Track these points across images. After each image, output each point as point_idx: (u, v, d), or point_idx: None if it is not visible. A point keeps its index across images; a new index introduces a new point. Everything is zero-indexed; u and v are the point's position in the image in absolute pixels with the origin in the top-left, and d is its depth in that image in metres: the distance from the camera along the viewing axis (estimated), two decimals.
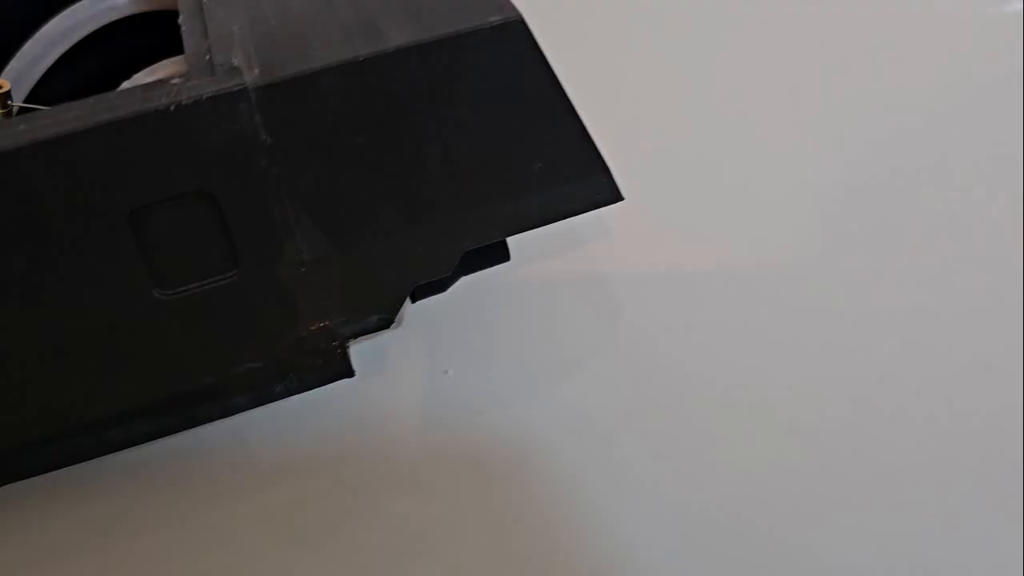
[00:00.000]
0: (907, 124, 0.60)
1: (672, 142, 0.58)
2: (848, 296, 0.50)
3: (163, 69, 0.45)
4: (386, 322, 0.40)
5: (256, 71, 0.34)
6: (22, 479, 0.41)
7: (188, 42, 0.36)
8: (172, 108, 0.33)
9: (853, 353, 0.47)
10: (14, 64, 0.46)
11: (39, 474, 0.42)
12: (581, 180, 0.39)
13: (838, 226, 0.54)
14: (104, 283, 0.35)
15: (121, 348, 0.37)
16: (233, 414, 0.42)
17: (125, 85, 0.44)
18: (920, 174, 0.57)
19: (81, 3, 0.46)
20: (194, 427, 0.42)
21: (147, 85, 0.34)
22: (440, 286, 0.44)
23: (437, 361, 0.47)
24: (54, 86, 0.47)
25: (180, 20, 0.38)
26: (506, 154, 0.37)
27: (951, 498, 0.41)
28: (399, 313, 0.41)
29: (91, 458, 0.42)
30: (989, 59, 0.64)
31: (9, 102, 0.41)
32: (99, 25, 0.47)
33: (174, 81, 0.34)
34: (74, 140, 0.32)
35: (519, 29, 0.35)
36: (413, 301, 0.45)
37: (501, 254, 0.44)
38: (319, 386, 0.42)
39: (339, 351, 0.41)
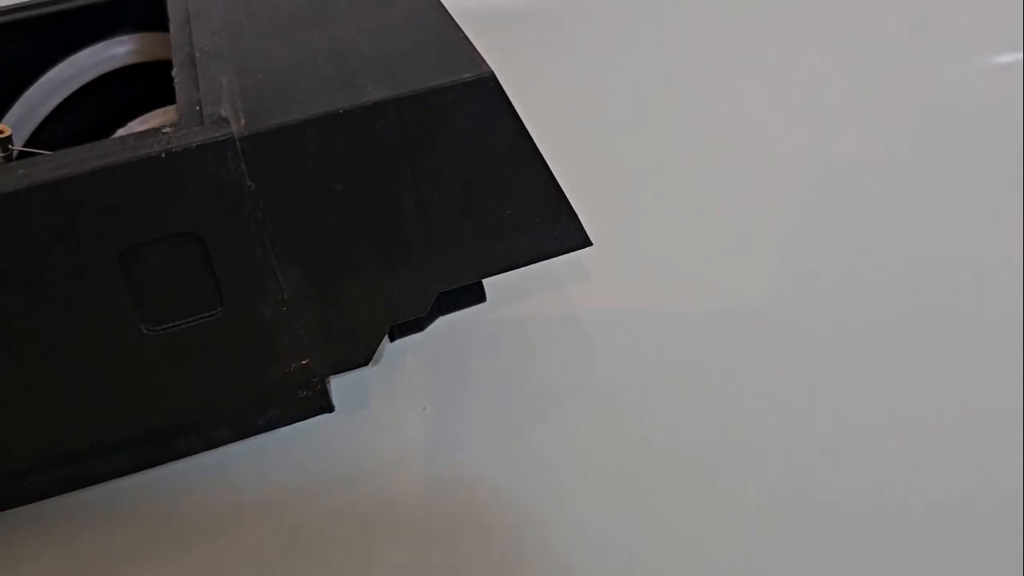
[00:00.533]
0: (900, 171, 0.62)
1: (647, 189, 0.60)
2: (823, 338, 0.51)
3: (156, 118, 0.47)
4: (364, 360, 0.42)
5: (242, 121, 0.36)
6: (6, 509, 0.43)
7: (180, 93, 0.38)
8: (163, 155, 0.35)
9: (829, 398, 0.48)
10: (16, 109, 0.48)
11: (22, 504, 0.43)
12: (550, 226, 0.41)
13: (813, 268, 0.55)
14: (94, 318, 0.37)
15: (108, 381, 0.38)
16: (216, 447, 0.44)
17: (120, 133, 0.46)
18: (903, 221, 0.58)
19: (81, 53, 0.49)
20: (177, 459, 0.44)
21: (140, 133, 0.36)
22: (418, 325, 0.46)
23: (416, 398, 0.49)
24: (54, 130, 0.49)
25: (173, 72, 0.40)
26: (478, 201, 0.39)
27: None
28: (377, 351, 0.43)
29: (75, 488, 0.43)
30: (988, 108, 0.66)
31: (10, 146, 0.44)
32: (98, 74, 0.49)
33: (165, 130, 0.36)
34: (70, 183, 0.34)
35: (490, 85, 0.37)
36: (392, 340, 0.47)
37: (478, 295, 0.46)
38: (300, 420, 0.44)
39: (319, 387, 0.42)
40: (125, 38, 0.49)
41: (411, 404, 0.48)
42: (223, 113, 0.37)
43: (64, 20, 0.48)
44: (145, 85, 0.50)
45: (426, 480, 0.45)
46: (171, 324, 0.38)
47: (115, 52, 0.49)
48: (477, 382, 0.49)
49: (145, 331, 0.37)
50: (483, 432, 0.47)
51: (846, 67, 0.71)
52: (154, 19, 0.49)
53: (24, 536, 0.44)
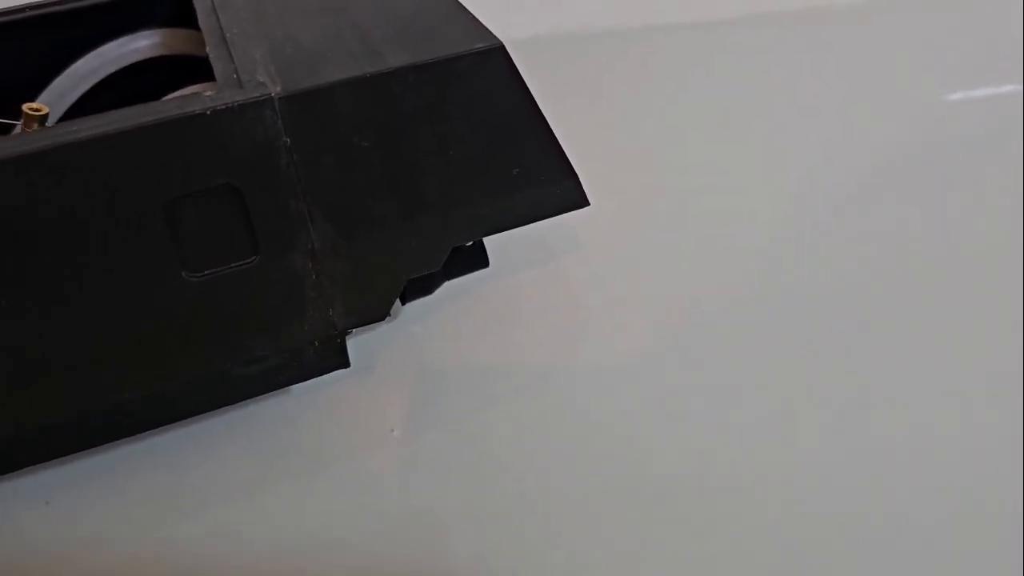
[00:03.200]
0: (905, 191, 0.64)
1: (637, 161, 0.65)
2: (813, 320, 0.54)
3: (190, 91, 0.50)
4: (382, 314, 0.46)
5: (278, 85, 0.40)
6: (48, 459, 0.45)
7: (217, 66, 0.42)
8: (209, 112, 0.39)
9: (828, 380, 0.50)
10: (45, 96, 0.52)
11: (50, 459, 0.45)
12: (554, 184, 0.45)
13: (796, 257, 0.58)
14: (140, 265, 0.40)
15: (149, 329, 0.41)
16: (240, 400, 0.47)
17: None
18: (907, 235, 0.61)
19: (107, 45, 0.52)
20: (201, 413, 0.47)
21: (185, 96, 0.40)
22: (427, 288, 0.50)
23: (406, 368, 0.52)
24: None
25: (208, 50, 0.44)
26: (489, 160, 0.44)
27: None
28: (393, 308, 0.46)
29: (102, 443, 0.46)
30: (986, 137, 0.69)
31: (46, 124, 0.47)
32: (122, 65, 0.53)
33: (208, 93, 0.40)
34: (121, 137, 0.38)
35: (500, 54, 0.42)
36: (403, 303, 0.51)
37: (482, 260, 0.50)
38: (318, 375, 0.47)
39: (338, 341, 0.46)
40: (148, 32, 0.53)
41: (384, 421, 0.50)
42: (260, 79, 0.41)
43: (92, 15, 0.52)
44: (166, 76, 0.53)
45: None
46: (210, 271, 0.41)
47: (139, 45, 0.53)
48: (465, 353, 0.52)
49: (186, 277, 0.41)
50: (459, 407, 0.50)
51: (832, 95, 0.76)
52: (176, 16, 0.53)
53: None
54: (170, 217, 0.40)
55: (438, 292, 0.51)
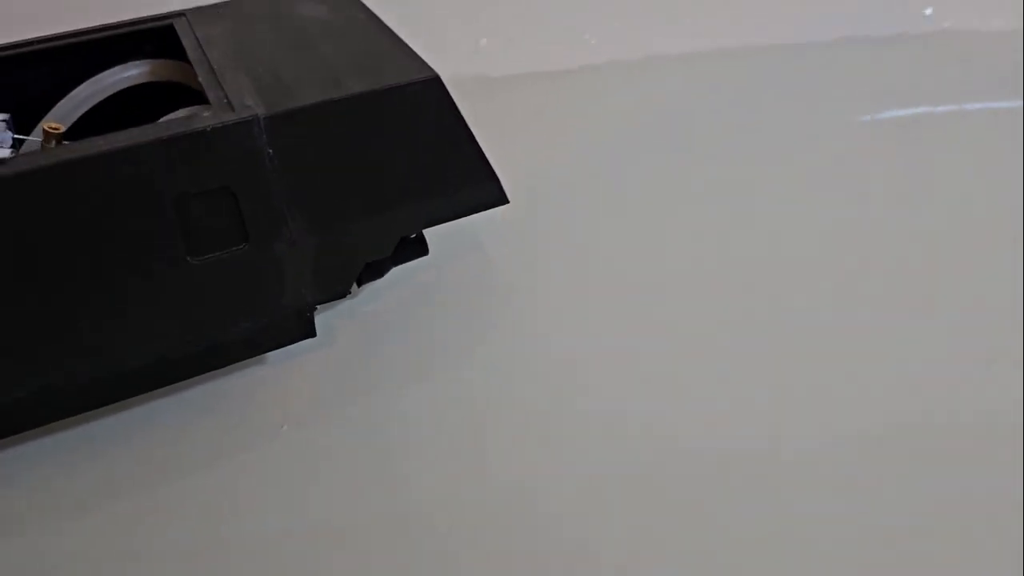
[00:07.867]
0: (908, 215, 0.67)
1: (548, 175, 0.75)
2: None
3: (186, 112, 0.60)
4: (344, 292, 0.57)
5: (262, 108, 0.51)
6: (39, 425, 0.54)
7: (210, 92, 0.53)
8: (209, 129, 0.49)
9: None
10: (50, 117, 0.61)
11: (52, 421, 0.54)
12: (480, 185, 0.57)
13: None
14: (153, 250, 0.50)
15: (157, 303, 0.51)
16: (225, 365, 0.57)
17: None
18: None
19: (102, 74, 0.62)
20: (196, 376, 0.57)
21: (188, 115, 0.51)
22: (379, 272, 0.61)
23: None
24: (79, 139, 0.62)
25: (200, 79, 0.54)
26: (428, 166, 0.55)
27: None
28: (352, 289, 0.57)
29: (111, 403, 0.55)
30: (990, 153, 0.72)
31: (64, 142, 0.57)
32: (115, 91, 0.63)
33: (205, 114, 0.51)
34: (139, 149, 0.48)
35: (436, 83, 0.54)
36: (359, 284, 0.62)
37: (423, 249, 0.61)
38: (290, 343, 0.57)
39: (308, 315, 0.56)
40: (138, 63, 0.63)
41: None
42: (248, 103, 0.51)
43: (90, 47, 0.62)
44: (156, 101, 0.63)
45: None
46: (209, 255, 0.51)
47: (131, 73, 0.63)
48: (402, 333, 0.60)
49: (189, 260, 0.51)
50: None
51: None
52: (161, 49, 0.63)
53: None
54: (178, 213, 0.50)
55: (387, 276, 0.62)
